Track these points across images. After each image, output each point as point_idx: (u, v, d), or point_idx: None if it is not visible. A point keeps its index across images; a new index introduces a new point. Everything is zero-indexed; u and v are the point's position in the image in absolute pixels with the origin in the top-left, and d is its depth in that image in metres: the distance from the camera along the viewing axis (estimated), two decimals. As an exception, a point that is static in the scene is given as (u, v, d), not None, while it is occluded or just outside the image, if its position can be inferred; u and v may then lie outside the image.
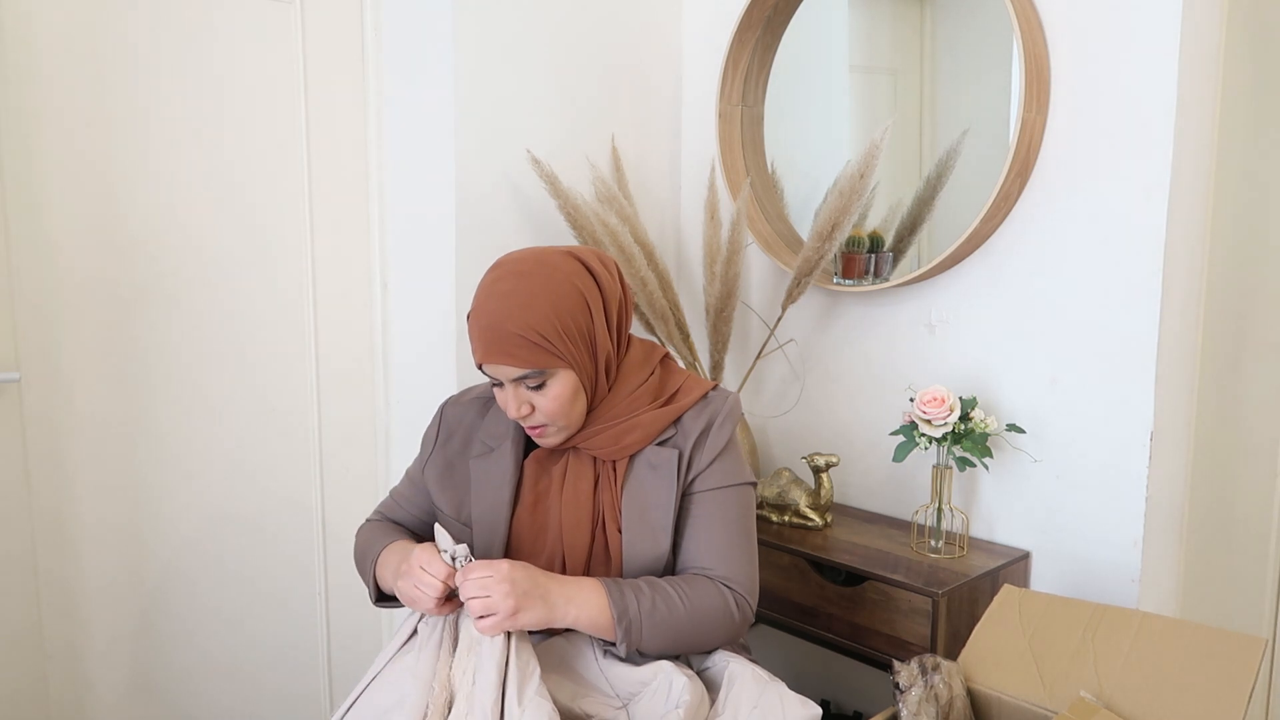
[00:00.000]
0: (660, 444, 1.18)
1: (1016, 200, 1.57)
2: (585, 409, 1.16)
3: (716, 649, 1.18)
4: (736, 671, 1.12)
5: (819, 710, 1.07)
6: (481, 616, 1.03)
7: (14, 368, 1.48)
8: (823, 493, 1.69)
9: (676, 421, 1.19)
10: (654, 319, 1.80)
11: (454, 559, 1.08)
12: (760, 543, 1.65)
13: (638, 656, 1.11)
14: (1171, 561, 1.62)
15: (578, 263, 1.14)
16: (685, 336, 1.84)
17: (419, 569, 1.08)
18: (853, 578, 1.54)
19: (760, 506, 1.75)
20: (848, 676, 1.91)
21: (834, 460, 1.68)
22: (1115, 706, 1.03)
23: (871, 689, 1.90)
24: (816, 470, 1.69)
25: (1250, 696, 1.01)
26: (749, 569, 1.18)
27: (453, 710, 1.02)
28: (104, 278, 1.54)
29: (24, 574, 1.52)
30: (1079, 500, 1.54)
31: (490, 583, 1.03)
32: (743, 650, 1.27)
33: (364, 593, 1.88)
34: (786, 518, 1.72)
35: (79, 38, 1.48)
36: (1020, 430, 1.57)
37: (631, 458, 1.18)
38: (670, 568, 1.19)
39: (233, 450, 1.71)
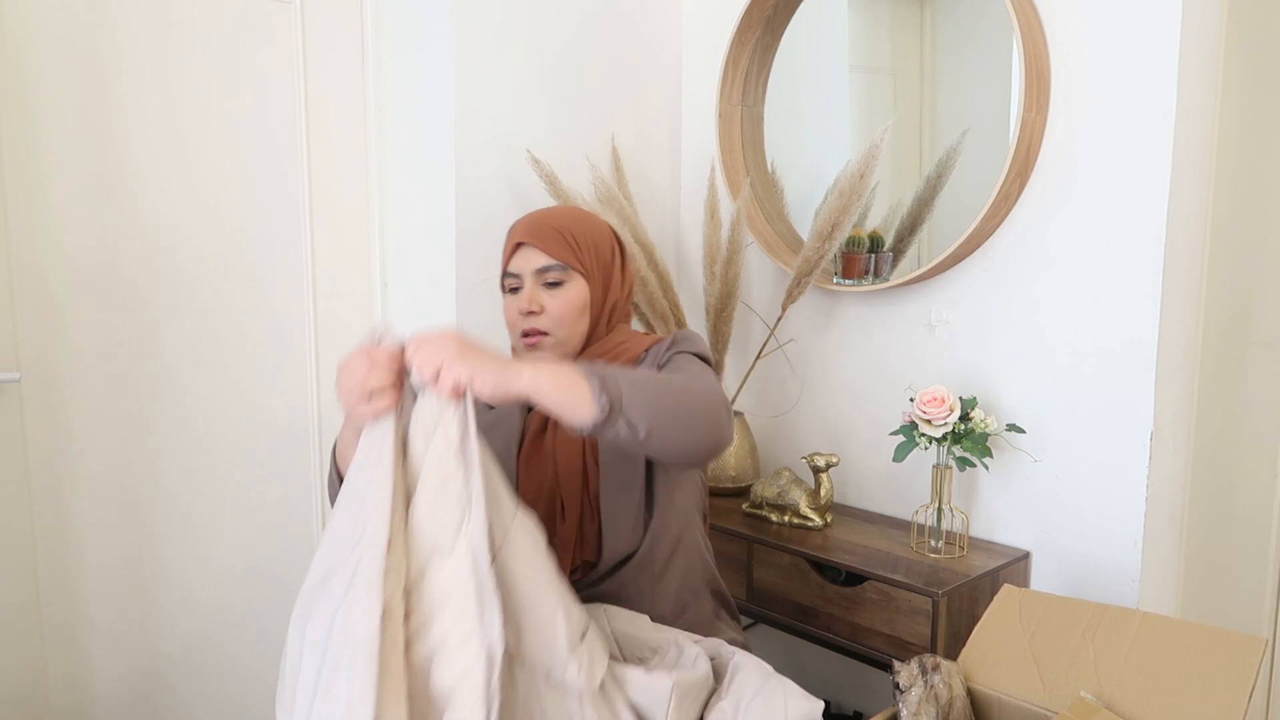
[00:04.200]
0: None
1: (1016, 200, 1.57)
2: (584, 335, 1.25)
3: (709, 445, 1.08)
4: (741, 662, 1.12)
5: (821, 704, 1.07)
6: (438, 381, 0.95)
7: (14, 368, 1.48)
8: (823, 493, 1.69)
9: (649, 349, 1.27)
10: (654, 319, 1.80)
11: (376, 338, 1.00)
12: (760, 543, 1.66)
13: (626, 431, 0.98)
14: (1171, 561, 1.62)
15: (611, 227, 1.32)
16: (685, 336, 1.84)
17: (348, 360, 0.99)
18: (853, 578, 1.54)
19: (760, 506, 1.75)
20: (848, 676, 1.91)
21: (834, 460, 1.68)
22: (1115, 706, 1.03)
23: (871, 689, 1.90)
24: (816, 470, 1.69)
25: (1250, 696, 1.01)
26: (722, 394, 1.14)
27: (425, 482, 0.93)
28: (104, 278, 1.54)
29: (24, 572, 1.52)
30: (1079, 500, 1.54)
31: (439, 340, 0.95)
32: (745, 649, 1.27)
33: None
34: (786, 518, 1.72)
35: (79, 38, 1.48)
36: (1020, 430, 1.57)
37: None
38: (647, 510, 1.21)
39: (232, 451, 1.71)
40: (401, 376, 0.98)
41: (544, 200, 1.76)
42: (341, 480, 1.07)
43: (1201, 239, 1.56)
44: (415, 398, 0.98)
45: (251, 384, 1.72)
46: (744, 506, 1.79)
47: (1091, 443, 1.52)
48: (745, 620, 1.86)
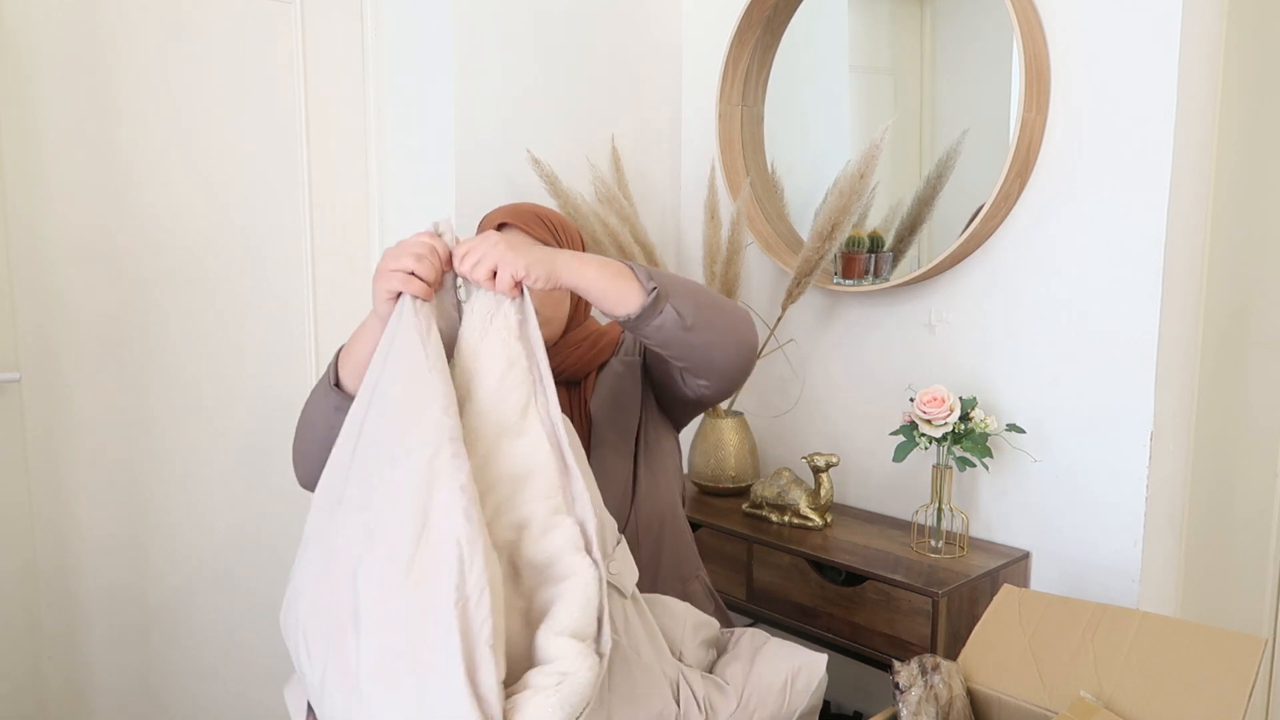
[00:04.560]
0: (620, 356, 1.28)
1: (1016, 200, 1.57)
2: (565, 320, 1.23)
3: (746, 348, 1.11)
4: (742, 631, 1.16)
5: (824, 656, 1.09)
6: (492, 279, 0.97)
7: (14, 368, 1.48)
8: (823, 493, 1.69)
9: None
10: (654, 319, 1.80)
11: (438, 230, 1.00)
12: (760, 543, 1.66)
13: (674, 318, 1.00)
14: (1171, 561, 1.62)
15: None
16: (685, 336, 1.84)
17: (413, 237, 0.99)
18: (853, 578, 1.54)
19: (760, 506, 1.75)
20: (848, 676, 1.91)
21: (834, 460, 1.68)
22: (1115, 706, 1.03)
23: (871, 689, 1.90)
24: (816, 470, 1.69)
25: (1250, 696, 1.01)
26: None
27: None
28: (104, 278, 1.54)
29: (24, 572, 1.52)
30: (1079, 500, 1.54)
31: (488, 241, 0.96)
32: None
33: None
34: (786, 518, 1.71)
35: (78, 38, 1.48)
36: (1020, 430, 1.57)
37: (599, 370, 1.27)
38: (632, 492, 1.22)
39: (232, 450, 1.71)
40: (441, 281, 0.98)
41: (544, 200, 1.76)
42: (339, 386, 1.07)
43: (1201, 239, 1.56)
44: (458, 306, 0.99)
45: (254, 381, 1.72)
46: (744, 506, 1.79)
47: (1091, 443, 1.52)
48: (745, 620, 1.86)
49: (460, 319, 0.99)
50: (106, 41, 1.50)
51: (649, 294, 0.98)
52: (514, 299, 0.95)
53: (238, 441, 1.72)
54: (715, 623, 1.13)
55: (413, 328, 0.92)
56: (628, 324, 1.00)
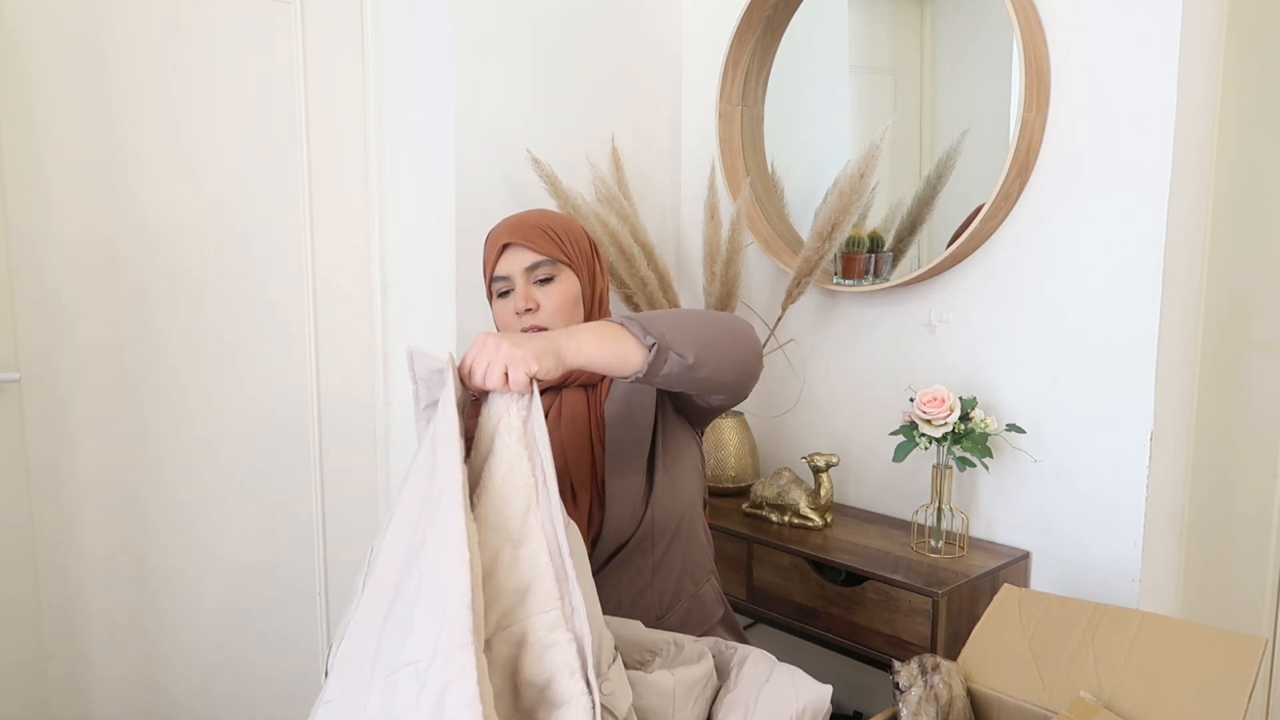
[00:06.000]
0: None
1: (1016, 200, 1.57)
2: None
3: (749, 359, 1.13)
4: (745, 654, 1.13)
5: (829, 689, 1.07)
6: (503, 376, 0.96)
7: (14, 368, 1.48)
8: (823, 493, 1.69)
9: None
10: (654, 319, 1.79)
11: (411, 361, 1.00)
12: (760, 543, 1.66)
13: (678, 362, 1.01)
14: (1171, 561, 1.62)
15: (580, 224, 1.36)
16: (685, 336, 1.84)
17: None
18: (853, 578, 1.54)
19: (760, 506, 1.75)
20: (848, 676, 1.91)
21: (834, 460, 1.68)
22: (1115, 706, 1.03)
23: (871, 689, 1.90)
24: (816, 470, 1.69)
25: (1250, 696, 1.01)
26: None
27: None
28: (105, 278, 1.54)
29: (24, 572, 1.52)
30: (1079, 500, 1.54)
31: (487, 345, 0.96)
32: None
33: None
34: (786, 518, 1.72)
35: (79, 37, 1.48)
36: (1020, 430, 1.57)
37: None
38: (649, 494, 1.21)
39: (233, 449, 1.71)
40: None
41: (544, 200, 1.76)
42: None
43: (1201, 239, 1.56)
44: (463, 405, 0.98)
45: (252, 383, 1.72)
46: (744, 506, 1.79)
47: (1091, 443, 1.52)
48: (745, 620, 1.86)
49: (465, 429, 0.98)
50: (106, 41, 1.50)
51: (650, 350, 0.99)
52: (519, 397, 0.95)
53: (237, 438, 1.72)
54: (708, 664, 1.09)
55: (431, 439, 0.91)
56: (636, 382, 1.00)
